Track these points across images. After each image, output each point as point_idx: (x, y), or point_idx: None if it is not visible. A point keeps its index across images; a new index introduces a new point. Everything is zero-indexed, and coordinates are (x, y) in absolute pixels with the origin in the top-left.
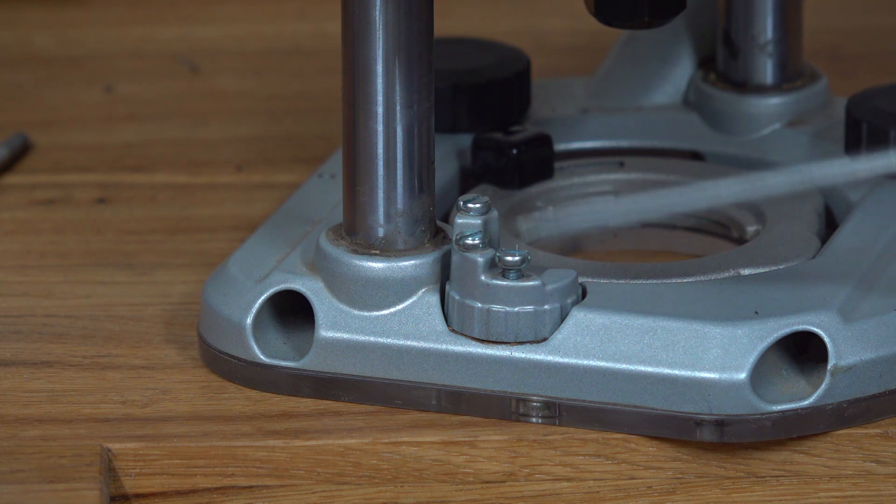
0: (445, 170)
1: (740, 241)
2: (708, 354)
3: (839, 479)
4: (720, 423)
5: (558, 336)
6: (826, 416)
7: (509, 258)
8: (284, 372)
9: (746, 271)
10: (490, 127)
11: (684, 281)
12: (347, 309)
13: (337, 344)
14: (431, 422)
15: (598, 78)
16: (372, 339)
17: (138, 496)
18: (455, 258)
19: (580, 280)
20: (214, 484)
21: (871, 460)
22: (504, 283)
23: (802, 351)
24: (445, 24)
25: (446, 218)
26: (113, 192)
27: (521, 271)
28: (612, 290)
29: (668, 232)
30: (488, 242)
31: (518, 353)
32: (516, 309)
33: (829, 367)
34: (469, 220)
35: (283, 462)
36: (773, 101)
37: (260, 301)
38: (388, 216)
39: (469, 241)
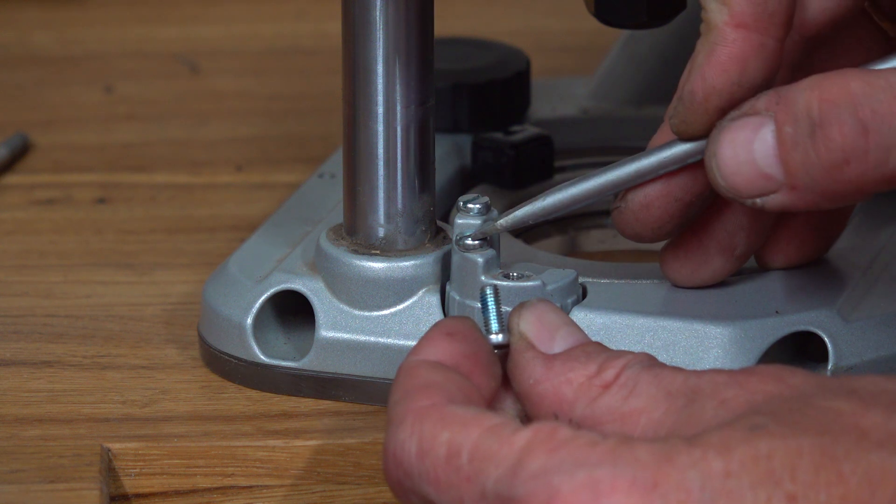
0: (445, 170)
1: None
2: (708, 354)
3: None
4: None
5: None
6: None
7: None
8: (284, 372)
9: (746, 271)
10: (490, 127)
11: None
12: (348, 309)
13: (337, 344)
14: None
15: (598, 78)
16: (372, 339)
17: (138, 496)
18: (455, 258)
19: (580, 280)
20: (214, 484)
21: None
22: (504, 283)
23: (802, 351)
24: (445, 24)
25: (446, 218)
26: (113, 192)
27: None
28: (612, 290)
29: None
30: (488, 242)
31: None
32: None
33: (829, 368)
34: (469, 220)
35: (283, 462)
36: None
37: (260, 301)
38: (388, 216)
39: (469, 242)
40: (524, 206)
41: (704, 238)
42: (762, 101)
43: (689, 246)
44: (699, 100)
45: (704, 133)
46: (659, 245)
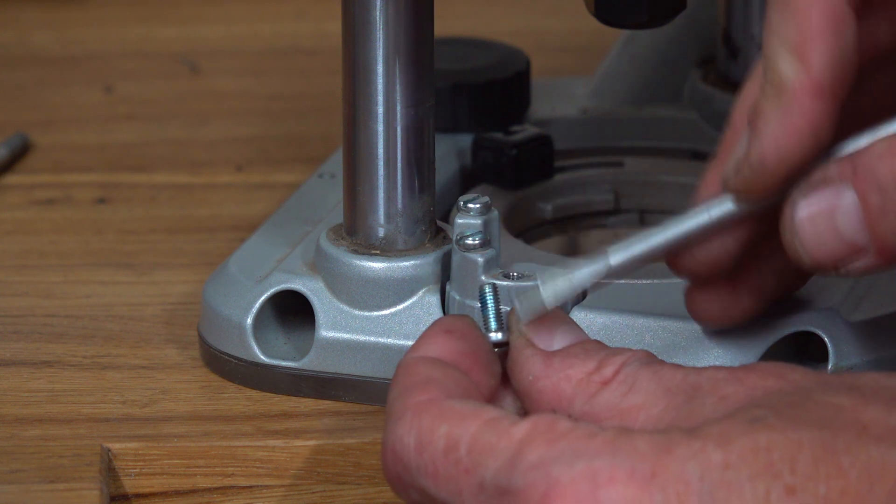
0: (445, 170)
1: None
2: (708, 354)
3: None
4: None
5: None
6: None
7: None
8: (284, 372)
9: None
10: (490, 127)
11: (684, 281)
12: (348, 309)
13: (337, 344)
14: None
15: (598, 78)
16: (372, 339)
17: (138, 496)
18: (455, 258)
19: None
20: (214, 484)
21: None
22: (504, 283)
23: (802, 351)
24: (445, 24)
25: (446, 218)
26: (113, 192)
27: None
28: (612, 290)
29: None
30: (488, 242)
31: None
32: None
33: (829, 368)
34: (469, 220)
35: (283, 462)
36: None
37: (260, 301)
38: (388, 216)
39: (469, 241)
40: (567, 287)
41: (738, 280)
42: (834, 169)
43: (719, 287)
44: (770, 168)
45: (769, 196)
46: None
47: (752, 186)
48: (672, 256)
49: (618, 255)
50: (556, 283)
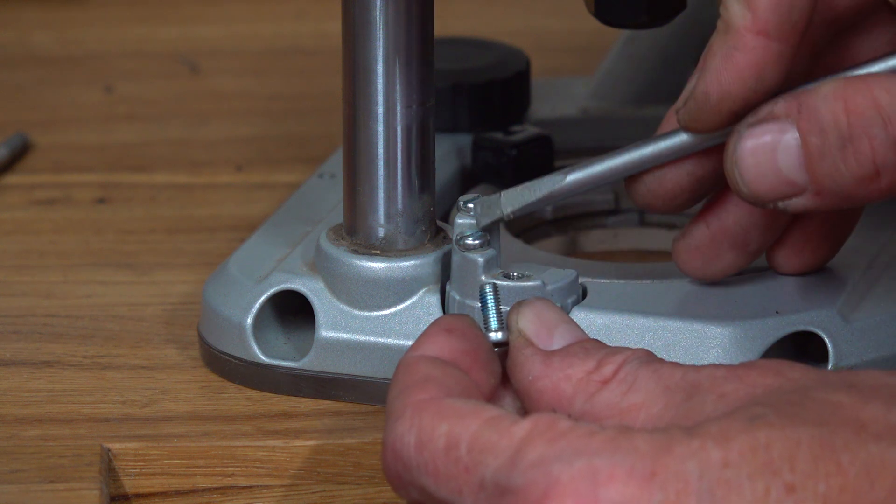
0: (445, 170)
1: None
2: (708, 354)
3: None
4: None
5: None
6: None
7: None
8: (284, 372)
9: (747, 271)
10: (490, 127)
11: (684, 281)
12: (348, 309)
13: (337, 344)
14: None
15: (598, 78)
16: (372, 339)
17: (138, 496)
18: (455, 258)
19: (580, 280)
20: (214, 484)
21: None
22: (504, 283)
23: (803, 351)
24: (445, 24)
25: (446, 218)
26: (113, 192)
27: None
28: (613, 290)
29: (667, 232)
30: (488, 242)
31: None
32: None
33: (829, 368)
34: (469, 220)
35: (283, 462)
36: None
37: (260, 301)
38: (388, 216)
39: (469, 241)
40: (527, 195)
41: (718, 233)
42: (781, 105)
43: (701, 239)
44: (713, 102)
45: (713, 131)
46: (661, 245)
47: (697, 119)
48: (629, 184)
49: (576, 173)
50: (513, 192)
